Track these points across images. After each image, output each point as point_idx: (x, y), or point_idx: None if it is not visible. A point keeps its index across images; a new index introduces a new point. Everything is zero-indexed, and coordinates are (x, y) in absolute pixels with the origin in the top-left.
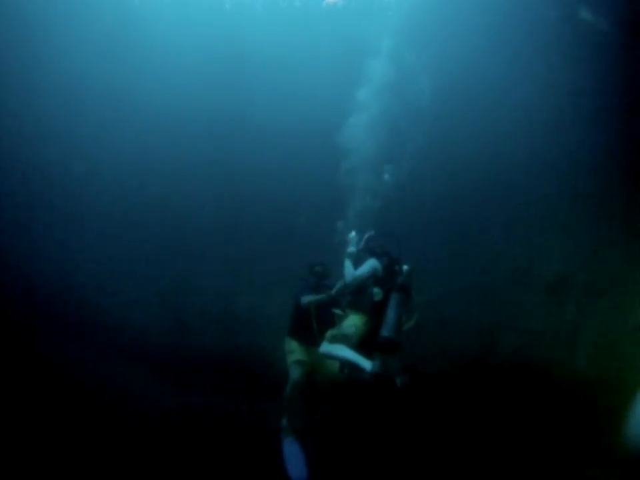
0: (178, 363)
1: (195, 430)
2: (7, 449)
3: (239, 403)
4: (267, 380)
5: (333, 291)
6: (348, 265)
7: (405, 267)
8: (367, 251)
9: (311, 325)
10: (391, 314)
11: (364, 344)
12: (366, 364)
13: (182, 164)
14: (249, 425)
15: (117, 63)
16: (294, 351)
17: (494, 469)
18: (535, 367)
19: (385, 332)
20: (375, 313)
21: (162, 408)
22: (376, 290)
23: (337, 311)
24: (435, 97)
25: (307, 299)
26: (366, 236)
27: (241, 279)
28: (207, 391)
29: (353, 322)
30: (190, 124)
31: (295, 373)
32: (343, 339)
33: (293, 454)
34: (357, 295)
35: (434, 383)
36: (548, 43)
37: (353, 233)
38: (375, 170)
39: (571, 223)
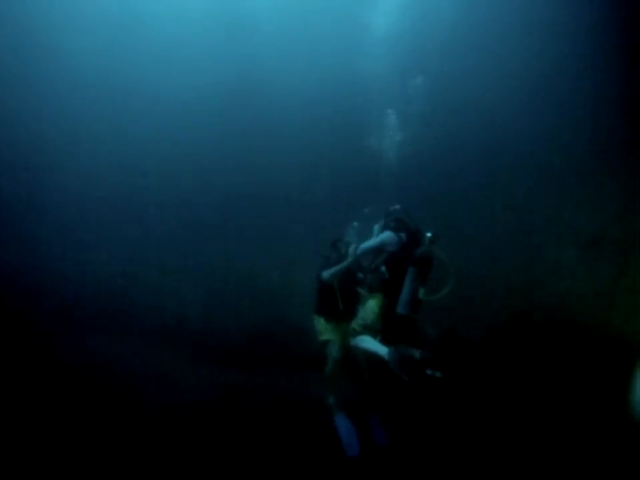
0: (215, 344)
1: (240, 408)
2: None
3: (278, 379)
4: (304, 354)
5: (350, 258)
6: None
7: (428, 235)
8: (385, 224)
9: (336, 301)
10: (405, 290)
11: (387, 324)
12: (383, 352)
13: (202, 141)
14: (294, 400)
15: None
16: (324, 330)
17: (531, 427)
18: (573, 326)
19: (400, 309)
20: (388, 290)
21: (203, 389)
22: (383, 268)
23: (361, 291)
24: None
25: (327, 273)
26: (389, 210)
27: (272, 255)
28: (246, 369)
29: (370, 307)
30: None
31: (331, 351)
32: (365, 329)
33: (345, 429)
34: (374, 275)
35: (473, 346)
36: None
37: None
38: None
39: (601, 179)
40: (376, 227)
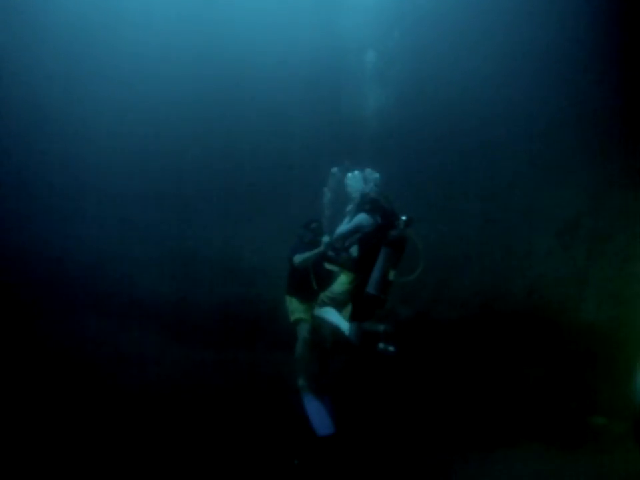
0: (186, 321)
1: (210, 386)
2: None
3: (248, 356)
4: (275, 332)
5: (322, 246)
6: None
7: (403, 218)
8: (360, 205)
9: (310, 281)
10: (376, 270)
11: (355, 300)
12: (345, 327)
13: (180, 122)
14: (263, 378)
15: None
16: (295, 309)
17: (498, 417)
18: (543, 313)
19: (369, 289)
20: (360, 269)
21: (173, 366)
22: (353, 248)
23: (330, 267)
24: None
25: (298, 258)
26: (359, 192)
27: (244, 232)
28: (217, 347)
29: (341, 281)
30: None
31: (301, 332)
32: (332, 302)
33: (315, 410)
34: (346, 252)
35: (443, 330)
36: None
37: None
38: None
39: (577, 166)
40: (349, 207)
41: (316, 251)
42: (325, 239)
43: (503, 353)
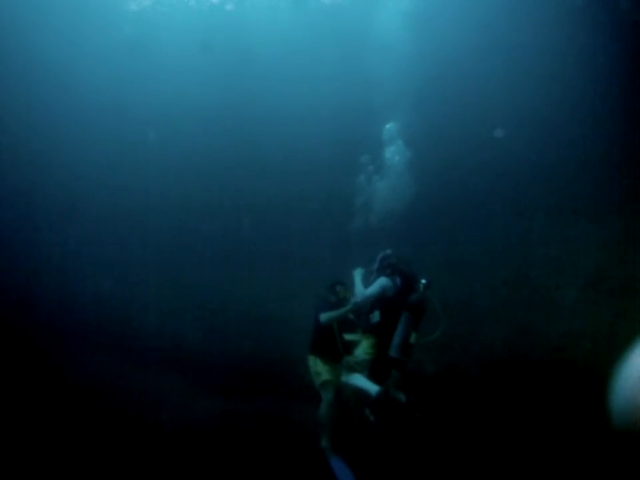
0: (214, 370)
1: (236, 435)
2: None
3: (274, 407)
4: (299, 383)
5: (350, 305)
6: (358, 282)
7: (423, 282)
8: (380, 270)
9: (335, 342)
10: (398, 334)
11: (378, 364)
12: (372, 389)
13: (203, 167)
14: (286, 427)
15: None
16: (321, 372)
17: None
18: (571, 369)
19: (392, 352)
20: (382, 333)
21: (201, 415)
22: (374, 313)
23: (350, 337)
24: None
25: (325, 316)
26: (380, 255)
27: (269, 285)
28: (242, 396)
29: (364, 348)
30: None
31: (326, 394)
32: (358, 366)
33: (341, 470)
34: (361, 316)
35: (470, 384)
36: None
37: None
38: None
39: (605, 217)
40: (357, 270)
41: (343, 310)
42: (354, 299)
43: (530, 407)
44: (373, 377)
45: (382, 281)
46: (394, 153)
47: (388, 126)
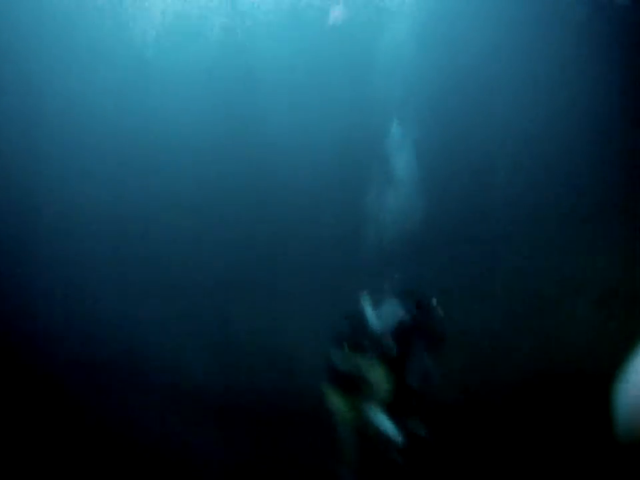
0: (236, 412)
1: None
2: None
3: (288, 444)
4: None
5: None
6: (369, 311)
7: (435, 303)
8: (390, 294)
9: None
10: (415, 363)
11: (395, 394)
12: (393, 433)
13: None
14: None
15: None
16: (339, 409)
17: None
18: (586, 385)
19: (410, 381)
20: (398, 364)
21: (226, 459)
22: (390, 343)
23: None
24: None
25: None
26: (388, 282)
27: (285, 323)
28: (257, 433)
29: (381, 379)
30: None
31: (343, 431)
32: (377, 402)
33: None
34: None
35: (487, 405)
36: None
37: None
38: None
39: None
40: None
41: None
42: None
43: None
44: (391, 410)
45: (396, 309)
46: (403, 170)
47: (395, 141)
